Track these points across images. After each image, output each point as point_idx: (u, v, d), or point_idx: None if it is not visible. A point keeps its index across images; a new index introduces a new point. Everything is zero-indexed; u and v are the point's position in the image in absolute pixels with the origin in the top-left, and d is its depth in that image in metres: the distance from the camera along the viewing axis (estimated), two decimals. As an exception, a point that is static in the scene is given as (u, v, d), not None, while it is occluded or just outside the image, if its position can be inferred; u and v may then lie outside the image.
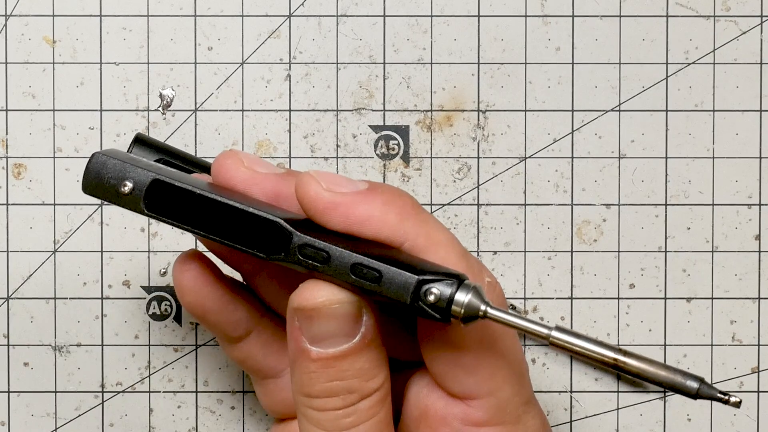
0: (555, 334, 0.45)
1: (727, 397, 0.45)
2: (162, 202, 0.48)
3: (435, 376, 0.47)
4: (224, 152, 0.49)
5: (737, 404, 0.45)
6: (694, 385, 0.45)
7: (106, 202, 0.48)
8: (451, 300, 0.44)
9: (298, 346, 0.46)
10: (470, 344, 0.46)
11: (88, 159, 0.48)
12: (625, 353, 0.46)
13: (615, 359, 0.46)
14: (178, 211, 0.48)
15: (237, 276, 0.52)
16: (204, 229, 0.48)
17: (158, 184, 0.48)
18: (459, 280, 0.45)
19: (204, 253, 0.50)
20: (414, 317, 0.48)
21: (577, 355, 0.45)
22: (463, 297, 0.44)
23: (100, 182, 0.49)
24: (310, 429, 0.46)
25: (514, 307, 0.59)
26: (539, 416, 0.48)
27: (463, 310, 0.44)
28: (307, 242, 0.46)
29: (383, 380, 0.46)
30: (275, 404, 0.52)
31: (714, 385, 0.46)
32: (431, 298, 0.44)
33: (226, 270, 0.51)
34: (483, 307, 0.44)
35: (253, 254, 0.47)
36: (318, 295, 0.45)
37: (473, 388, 0.46)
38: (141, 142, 0.58)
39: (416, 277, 0.45)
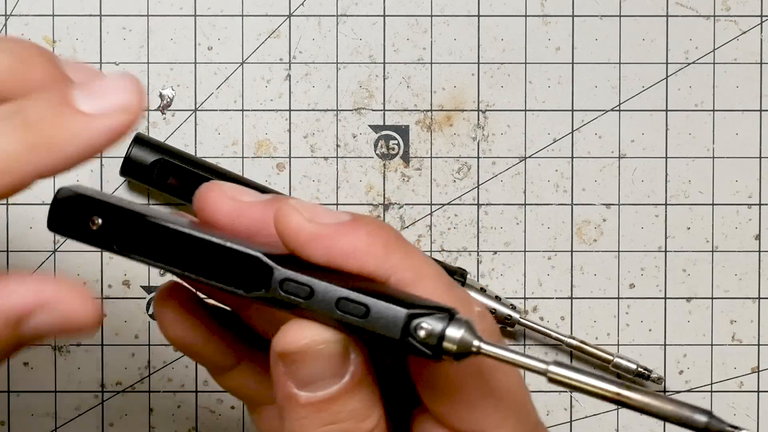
0: (553, 368, 0.42)
1: (737, 431, 0.43)
2: (134, 238, 0.45)
3: (435, 416, 0.46)
4: (205, 185, 0.46)
5: None
6: (702, 419, 0.43)
7: (73, 240, 0.46)
8: (442, 335, 0.42)
9: (285, 392, 0.44)
10: (467, 380, 0.45)
11: (53, 196, 0.46)
12: (628, 387, 0.44)
13: (618, 394, 0.44)
14: (152, 248, 0.45)
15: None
16: (180, 266, 0.45)
17: (130, 219, 0.45)
18: (450, 314, 0.42)
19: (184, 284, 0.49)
20: (405, 357, 0.47)
21: (577, 391, 0.43)
22: (455, 332, 0.42)
23: (68, 218, 0.46)
24: None
25: (514, 307, 0.59)
26: None
27: (455, 347, 0.42)
28: (288, 276, 0.43)
29: (378, 419, 0.45)
30: (273, 431, 0.51)
31: (722, 419, 0.45)
32: (422, 333, 0.42)
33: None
34: (476, 343, 0.42)
35: (232, 292, 0.44)
36: (301, 336, 0.43)
37: (476, 424, 0.45)
38: (141, 142, 0.58)
39: (405, 311, 0.42)
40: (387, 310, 0.42)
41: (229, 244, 0.44)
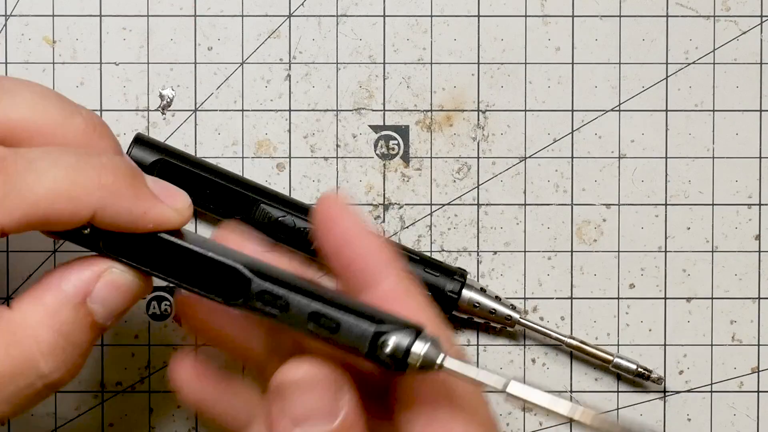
0: (512, 386, 0.44)
1: None
2: (121, 243, 0.47)
3: None
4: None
5: None
6: None
7: (64, 240, 0.47)
8: (407, 351, 0.44)
9: (281, 429, 0.45)
10: (439, 397, 0.46)
11: None
12: (583, 411, 0.45)
13: (569, 416, 0.45)
14: (137, 252, 0.47)
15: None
16: (163, 272, 0.47)
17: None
18: (417, 331, 0.45)
19: (200, 348, 0.50)
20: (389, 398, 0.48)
21: (533, 408, 0.45)
22: (419, 348, 0.44)
23: None
24: None
25: (514, 307, 0.59)
26: None
27: (419, 362, 0.44)
28: (265, 289, 0.45)
29: None
30: None
31: None
32: (388, 349, 0.44)
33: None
34: (440, 360, 0.44)
35: (212, 299, 0.46)
36: (298, 369, 0.45)
37: None
38: (141, 142, 0.58)
39: (373, 328, 0.44)
40: (356, 326, 0.45)
41: (210, 254, 0.46)
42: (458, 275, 0.58)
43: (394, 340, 0.44)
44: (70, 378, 0.46)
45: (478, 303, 0.58)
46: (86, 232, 0.46)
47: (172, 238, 0.47)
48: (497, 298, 0.58)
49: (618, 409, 0.60)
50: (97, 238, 0.46)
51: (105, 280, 0.46)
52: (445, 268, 0.58)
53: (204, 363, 0.49)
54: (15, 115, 0.46)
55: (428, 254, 0.60)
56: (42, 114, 0.46)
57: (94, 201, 0.44)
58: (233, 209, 0.57)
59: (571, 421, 0.45)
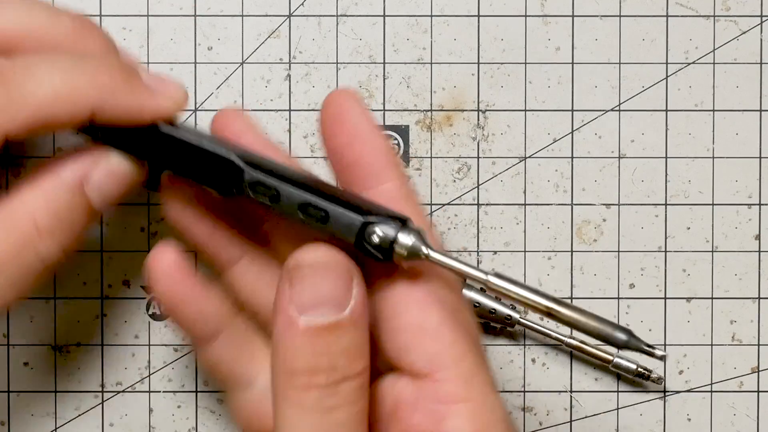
0: (492, 279, 0.47)
1: (652, 350, 0.46)
2: (119, 134, 0.49)
3: (399, 352, 0.47)
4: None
5: (662, 358, 0.47)
6: (622, 336, 0.47)
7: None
8: (393, 241, 0.46)
9: (285, 317, 0.45)
10: (422, 295, 0.47)
11: None
12: (559, 302, 0.47)
13: (548, 308, 0.47)
14: (135, 144, 0.49)
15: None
16: (161, 163, 0.49)
17: None
18: (402, 222, 0.46)
19: (178, 248, 0.50)
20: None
21: (513, 301, 0.47)
22: (405, 239, 0.46)
23: None
24: (289, 413, 0.45)
25: (514, 307, 0.59)
26: (503, 405, 0.48)
27: (406, 252, 0.46)
28: (258, 179, 0.47)
29: (365, 367, 0.46)
30: (249, 417, 0.51)
31: (641, 339, 0.47)
32: (375, 239, 0.46)
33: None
34: (425, 250, 0.46)
35: (206, 188, 0.48)
36: (316, 252, 0.45)
37: (437, 355, 0.46)
38: None
39: (361, 218, 0.46)
40: (345, 216, 0.47)
41: (205, 146, 0.48)
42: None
43: (381, 230, 0.46)
44: (65, 259, 0.48)
45: (478, 303, 0.58)
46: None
47: (169, 130, 0.48)
48: (497, 298, 0.58)
49: (618, 408, 0.60)
50: (95, 129, 0.48)
51: (102, 167, 0.48)
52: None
53: (183, 260, 0.50)
54: (4, 25, 0.48)
55: (428, 254, 0.60)
56: (29, 20, 0.48)
57: (92, 100, 0.46)
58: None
59: (549, 315, 0.46)
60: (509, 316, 0.58)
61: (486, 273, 0.47)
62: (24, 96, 0.45)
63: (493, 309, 0.58)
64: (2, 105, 0.45)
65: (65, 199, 0.48)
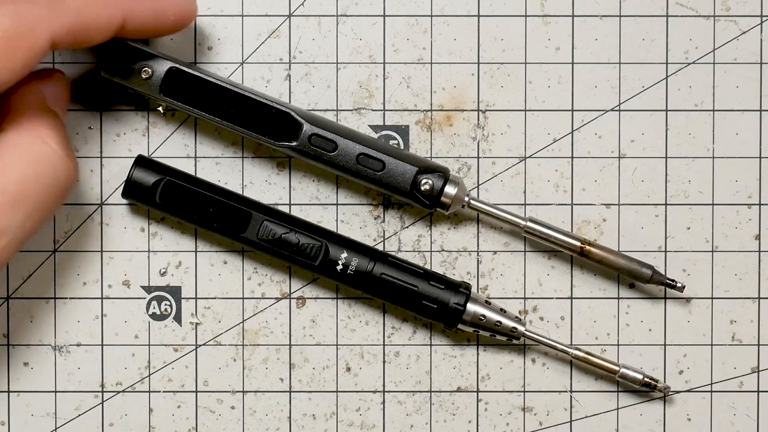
0: (529, 224, 0.57)
1: (675, 283, 0.58)
2: (178, 89, 0.56)
3: None
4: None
5: (681, 289, 0.58)
6: (647, 272, 0.57)
7: (123, 84, 0.56)
8: (441, 191, 0.56)
9: None
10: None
11: (108, 43, 0.55)
12: (591, 243, 0.57)
13: (582, 247, 0.57)
14: (193, 99, 0.56)
15: None
16: (218, 115, 0.56)
17: (175, 72, 0.56)
18: (446, 174, 0.56)
19: None
20: None
21: (547, 242, 0.57)
22: (451, 189, 0.57)
23: (122, 65, 0.56)
24: None
25: (519, 320, 0.59)
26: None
27: (450, 201, 0.57)
28: (316, 132, 0.56)
29: None
30: None
31: (663, 274, 0.58)
32: (426, 187, 0.56)
33: None
34: (466, 198, 0.57)
35: (264, 141, 0.56)
36: None
37: None
38: (142, 163, 0.58)
39: (416, 168, 0.56)
40: (399, 167, 0.56)
41: (266, 101, 0.56)
42: (463, 288, 0.58)
43: (431, 180, 0.56)
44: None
45: (483, 316, 0.58)
46: (144, 76, 0.56)
47: (235, 88, 0.56)
48: (502, 311, 0.58)
49: (618, 408, 0.60)
50: (156, 83, 0.56)
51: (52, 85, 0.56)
52: (450, 282, 0.58)
53: None
54: None
55: (428, 254, 0.60)
56: None
57: (123, 7, 0.53)
58: (236, 226, 0.57)
59: (582, 254, 0.56)
60: (514, 328, 0.58)
61: (523, 219, 0.57)
62: (65, 2, 0.51)
63: (498, 321, 0.58)
64: (47, 11, 0.51)
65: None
